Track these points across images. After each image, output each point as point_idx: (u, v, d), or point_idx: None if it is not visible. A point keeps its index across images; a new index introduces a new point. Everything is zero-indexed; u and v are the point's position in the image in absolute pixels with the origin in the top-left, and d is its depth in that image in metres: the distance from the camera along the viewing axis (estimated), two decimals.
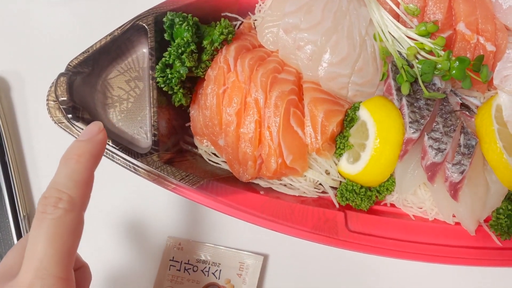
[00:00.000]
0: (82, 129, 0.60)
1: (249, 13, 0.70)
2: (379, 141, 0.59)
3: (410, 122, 0.59)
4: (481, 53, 0.62)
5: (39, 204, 0.40)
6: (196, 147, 0.69)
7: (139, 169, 0.63)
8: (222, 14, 0.68)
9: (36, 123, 0.77)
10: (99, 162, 0.45)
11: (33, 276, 0.37)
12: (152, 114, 0.61)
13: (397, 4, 0.63)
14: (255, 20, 0.70)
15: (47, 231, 0.38)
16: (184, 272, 0.69)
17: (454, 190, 0.58)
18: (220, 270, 0.69)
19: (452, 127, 0.59)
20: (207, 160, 0.68)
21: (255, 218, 0.61)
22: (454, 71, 0.58)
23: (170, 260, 0.70)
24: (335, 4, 0.63)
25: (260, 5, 0.70)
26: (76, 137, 0.63)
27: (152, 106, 0.62)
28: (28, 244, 0.39)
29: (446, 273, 0.69)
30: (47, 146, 0.76)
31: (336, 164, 0.64)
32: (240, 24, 0.70)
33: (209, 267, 0.69)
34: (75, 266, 0.46)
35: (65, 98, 0.59)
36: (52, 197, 0.40)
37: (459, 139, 0.59)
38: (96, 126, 0.46)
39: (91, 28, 0.78)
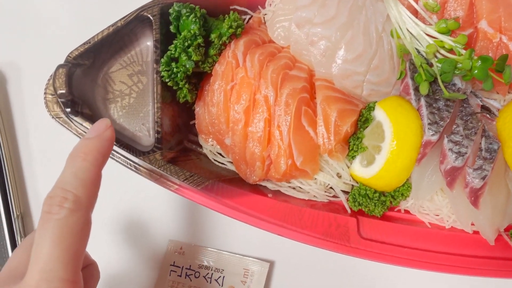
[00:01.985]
0: (81, 124, 0.57)
1: (259, 7, 0.67)
2: (396, 143, 0.56)
3: (429, 124, 0.56)
4: (504, 53, 0.59)
5: (44, 204, 0.39)
6: (200, 146, 0.66)
7: (141, 168, 0.60)
8: (231, 7, 0.65)
9: (33, 118, 0.73)
10: (106, 160, 0.44)
11: (39, 279, 0.36)
12: (155, 110, 0.58)
13: (416, 0, 0.60)
14: (265, 14, 0.67)
15: (52, 232, 0.37)
16: (185, 278, 0.66)
17: (475, 196, 0.55)
18: (224, 277, 0.65)
19: (473, 130, 0.56)
20: (212, 160, 0.65)
21: (262, 223, 0.58)
22: (476, 71, 0.55)
23: (170, 265, 0.66)
24: None
25: None
26: (74, 133, 0.60)
27: (156, 101, 0.58)
28: (34, 245, 0.38)
29: (463, 284, 0.65)
30: (44, 142, 0.73)
31: (348, 167, 0.61)
32: (250, 18, 0.67)
33: (212, 273, 0.66)
34: (83, 264, 0.44)
35: (63, 91, 0.56)
36: (58, 196, 0.39)
37: (480, 143, 0.56)
38: (103, 123, 0.45)
39: (92, 18, 0.74)
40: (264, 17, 0.67)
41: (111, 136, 0.44)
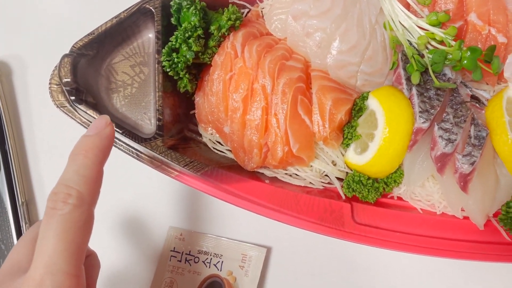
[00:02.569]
0: (85, 112, 0.59)
1: (257, 0, 0.69)
2: (388, 131, 0.58)
3: (420, 112, 0.58)
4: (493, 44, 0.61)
5: (49, 200, 0.40)
6: (200, 136, 0.68)
7: (142, 155, 0.62)
8: (230, 1, 0.67)
9: (38, 109, 0.75)
10: (107, 156, 0.45)
11: (43, 272, 0.37)
12: (157, 99, 0.60)
13: None
14: (263, 8, 0.69)
15: (56, 227, 0.38)
16: (185, 263, 0.68)
17: (464, 181, 0.57)
18: (222, 262, 0.67)
19: (462, 117, 0.58)
20: (212, 149, 0.67)
21: (260, 208, 0.60)
22: (465, 61, 0.58)
23: (171, 250, 0.68)
24: None
25: None
26: (78, 122, 0.62)
27: (157, 90, 0.60)
28: (39, 240, 0.39)
29: (454, 268, 0.67)
30: (48, 132, 0.75)
31: (343, 155, 0.63)
32: (248, 12, 0.69)
33: (211, 259, 0.68)
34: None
35: (68, 80, 0.58)
36: (61, 193, 0.40)
37: (470, 130, 0.58)
38: (103, 120, 0.46)
39: (96, 11, 0.77)
40: (262, 11, 0.69)
41: (111, 133, 0.45)
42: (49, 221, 0.39)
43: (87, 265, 0.46)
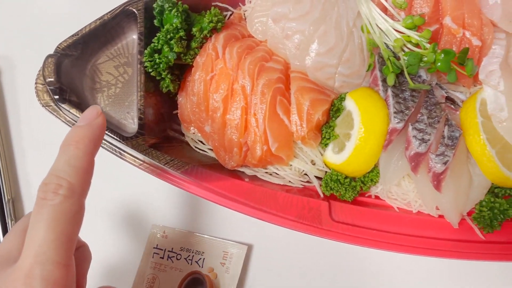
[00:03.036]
0: (68, 111, 0.61)
1: (239, 3, 0.71)
2: (363, 130, 0.59)
3: (395, 113, 0.59)
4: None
5: (39, 191, 0.40)
6: (183, 135, 0.69)
7: (125, 153, 0.64)
8: (213, 3, 0.69)
9: (25, 108, 0.77)
10: (98, 147, 0.45)
11: (33, 262, 0.37)
12: (139, 98, 0.62)
13: None
14: (246, 10, 0.71)
15: (47, 217, 0.38)
16: (167, 260, 0.69)
17: (437, 180, 0.58)
18: (204, 259, 0.69)
19: (436, 118, 0.60)
20: (194, 148, 0.68)
21: (239, 205, 0.61)
22: (439, 63, 0.59)
23: (154, 247, 0.70)
24: None
25: None
26: (63, 121, 0.63)
27: (139, 90, 0.62)
28: (29, 229, 0.39)
29: (430, 265, 0.68)
30: (36, 130, 0.76)
31: (322, 154, 0.65)
32: (231, 15, 0.71)
33: (193, 256, 0.69)
34: (75, 246, 0.45)
35: (52, 79, 0.59)
36: (52, 183, 0.40)
37: (443, 131, 0.60)
38: (94, 110, 0.46)
39: (85, 12, 0.78)
40: (244, 14, 0.71)
41: (102, 123, 0.45)
42: (39, 211, 0.39)
43: (78, 256, 0.46)
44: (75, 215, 0.40)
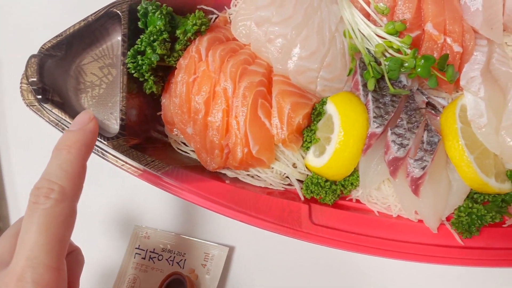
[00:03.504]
0: (51, 111, 0.61)
1: (225, 7, 0.71)
2: (343, 134, 0.60)
3: (374, 117, 0.60)
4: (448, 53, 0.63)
5: (31, 195, 0.40)
6: (166, 136, 0.70)
7: (107, 154, 0.64)
8: (198, 6, 0.69)
9: (10, 107, 0.77)
10: (91, 151, 0.45)
11: (24, 265, 0.38)
12: (121, 99, 0.62)
13: (368, 3, 0.64)
14: (231, 14, 0.71)
15: (38, 221, 0.39)
16: (149, 260, 0.69)
17: (416, 185, 0.59)
18: (185, 260, 0.69)
19: (416, 123, 0.60)
20: (176, 149, 0.68)
21: (219, 207, 0.62)
22: (419, 69, 0.59)
23: (136, 248, 0.70)
24: (307, 0, 0.64)
25: None
26: (46, 120, 0.63)
27: (121, 91, 0.62)
28: (21, 233, 0.39)
29: (409, 269, 0.69)
30: (21, 129, 0.77)
31: (303, 158, 0.65)
32: (216, 18, 0.71)
33: (174, 257, 0.69)
34: (67, 250, 0.45)
35: (34, 79, 0.60)
36: (44, 187, 0.40)
37: (423, 136, 0.60)
38: (86, 115, 0.46)
39: (74, 13, 0.78)
40: (229, 17, 0.71)
41: (94, 128, 0.45)
42: (31, 215, 0.39)
43: (70, 260, 0.46)
44: (67, 219, 0.41)
